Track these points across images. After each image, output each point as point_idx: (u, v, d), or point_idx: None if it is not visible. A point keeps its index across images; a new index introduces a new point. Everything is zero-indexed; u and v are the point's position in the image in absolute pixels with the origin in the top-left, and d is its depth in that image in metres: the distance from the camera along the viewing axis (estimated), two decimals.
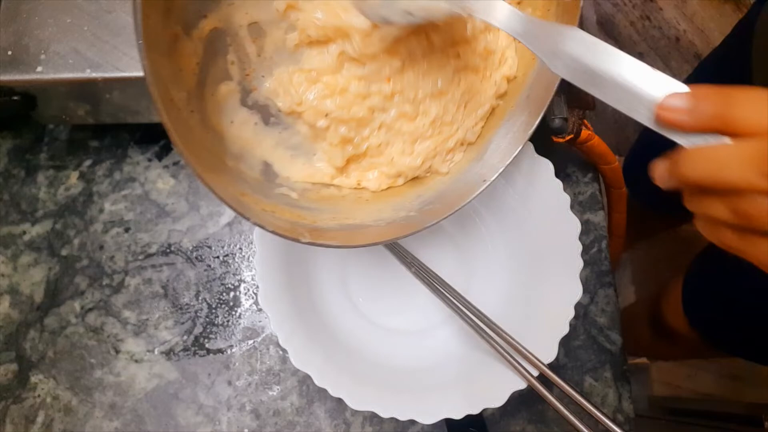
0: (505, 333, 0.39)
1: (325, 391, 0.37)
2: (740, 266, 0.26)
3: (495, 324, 0.39)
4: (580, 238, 0.40)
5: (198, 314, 0.48)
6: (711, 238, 0.24)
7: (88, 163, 0.52)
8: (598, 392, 0.45)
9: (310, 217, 0.37)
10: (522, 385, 0.37)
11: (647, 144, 0.76)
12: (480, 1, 0.30)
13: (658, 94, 0.23)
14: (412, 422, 0.38)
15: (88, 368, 0.47)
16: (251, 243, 0.49)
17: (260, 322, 0.48)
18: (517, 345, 0.38)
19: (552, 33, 0.27)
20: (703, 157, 0.22)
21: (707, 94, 0.22)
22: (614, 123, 1.23)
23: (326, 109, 0.37)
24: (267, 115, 0.37)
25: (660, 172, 0.24)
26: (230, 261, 0.49)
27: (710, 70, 0.64)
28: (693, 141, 0.23)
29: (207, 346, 0.47)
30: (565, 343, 0.44)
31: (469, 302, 0.41)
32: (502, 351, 0.38)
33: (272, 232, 0.32)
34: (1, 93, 0.43)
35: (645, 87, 0.24)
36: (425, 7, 0.32)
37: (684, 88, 0.23)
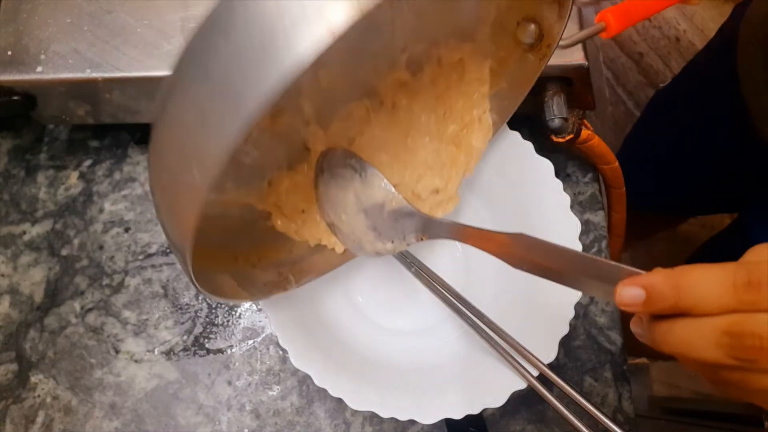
0: (505, 333, 0.39)
1: (325, 391, 0.37)
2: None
3: (495, 324, 0.39)
4: (580, 238, 0.40)
5: (198, 314, 0.48)
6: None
7: (88, 163, 0.52)
8: (598, 392, 0.45)
9: (286, 249, 0.39)
10: (522, 385, 0.37)
11: (638, 142, 0.76)
12: (433, 229, 0.36)
13: (614, 282, 0.24)
14: (412, 422, 0.37)
15: (88, 368, 0.47)
16: None
17: (260, 322, 0.48)
18: (517, 345, 0.38)
19: (503, 240, 0.30)
20: (671, 336, 0.23)
21: (657, 283, 0.22)
22: (614, 123, 1.23)
23: (303, 207, 0.40)
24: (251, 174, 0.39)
25: (638, 334, 0.25)
26: None
27: (698, 70, 0.65)
28: None
29: (207, 346, 0.47)
30: (565, 343, 0.44)
31: (468, 302, 0.41)
32: (502, 351, 0.38)
33: (268, 297, 0.37)
34: (1, 93, 0.43)
35: (600, 277, 0.25)
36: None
37: (636, 272, 0.23)
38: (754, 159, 0.54)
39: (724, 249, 0.59)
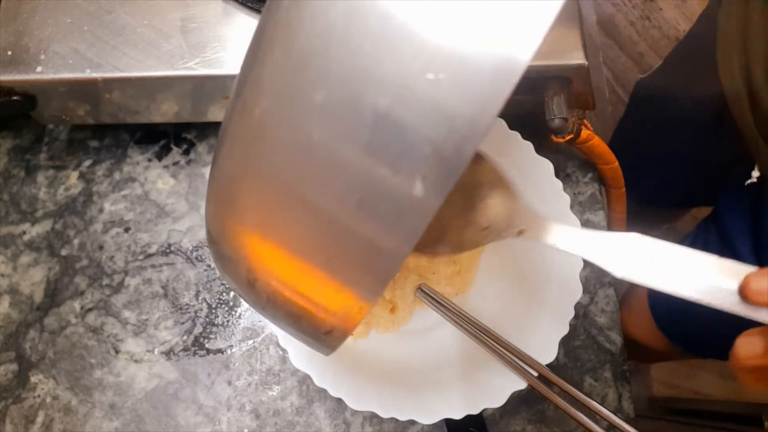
0: (503, 340, 0.38)
1: (325, 391, 0.37)
2: None
3: (490, 330, 0.39)
4: None
5: (198, 314, 0.48)
6: None
7: (88, 163, 0.52)
8: (598, 392, 0.45)
9: None
10: (522, 385, 0.37)
11: (626, 133, 0.76)
12: (534, 229, 0.30)
13: (736, 281, 0.23)
14: (412, 422, 0.38)
15: (88, 368, 0.47)
16: None
17: (260, 322, 0.48)
18: (515, 349, 0.38)
19: (612, 242, 0.27)
20: None
21: None
22: (614, 123, 1.23)
23: None
24: None
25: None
26: None
27: (680, 58, 0.65)
28: None
29: (207, 346, 0.47)
30: (565, 343, 0.44)
31: (464, 313, 0.41)
32: (502, 353, 0.38)
33: None
34: (1, 93, 0.43)
35: (721, 276, 0.24)
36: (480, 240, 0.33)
37: (752, 269, 0.23)
38: (729, 145, 0.55)
39: (701, 240, 0.58)
